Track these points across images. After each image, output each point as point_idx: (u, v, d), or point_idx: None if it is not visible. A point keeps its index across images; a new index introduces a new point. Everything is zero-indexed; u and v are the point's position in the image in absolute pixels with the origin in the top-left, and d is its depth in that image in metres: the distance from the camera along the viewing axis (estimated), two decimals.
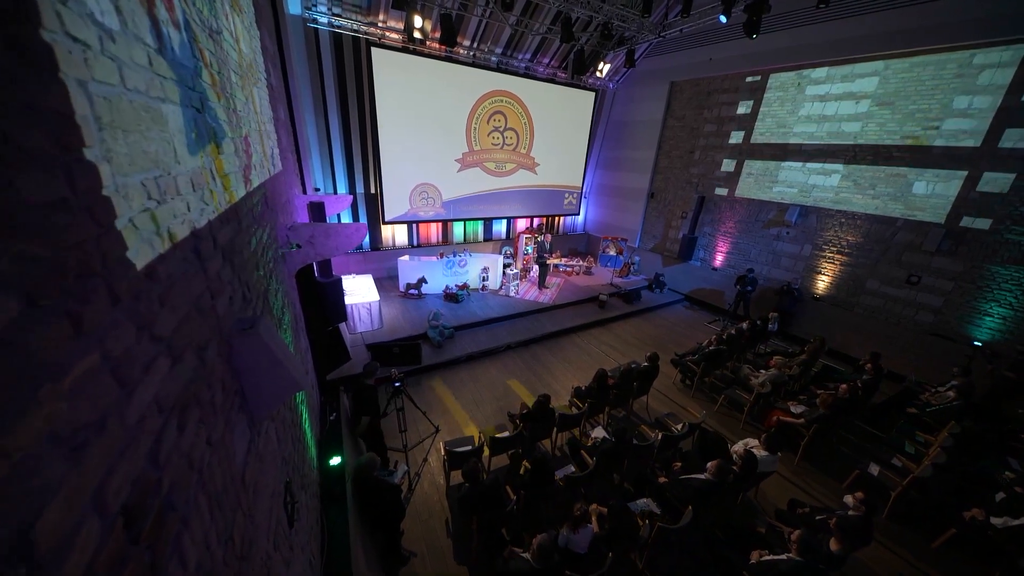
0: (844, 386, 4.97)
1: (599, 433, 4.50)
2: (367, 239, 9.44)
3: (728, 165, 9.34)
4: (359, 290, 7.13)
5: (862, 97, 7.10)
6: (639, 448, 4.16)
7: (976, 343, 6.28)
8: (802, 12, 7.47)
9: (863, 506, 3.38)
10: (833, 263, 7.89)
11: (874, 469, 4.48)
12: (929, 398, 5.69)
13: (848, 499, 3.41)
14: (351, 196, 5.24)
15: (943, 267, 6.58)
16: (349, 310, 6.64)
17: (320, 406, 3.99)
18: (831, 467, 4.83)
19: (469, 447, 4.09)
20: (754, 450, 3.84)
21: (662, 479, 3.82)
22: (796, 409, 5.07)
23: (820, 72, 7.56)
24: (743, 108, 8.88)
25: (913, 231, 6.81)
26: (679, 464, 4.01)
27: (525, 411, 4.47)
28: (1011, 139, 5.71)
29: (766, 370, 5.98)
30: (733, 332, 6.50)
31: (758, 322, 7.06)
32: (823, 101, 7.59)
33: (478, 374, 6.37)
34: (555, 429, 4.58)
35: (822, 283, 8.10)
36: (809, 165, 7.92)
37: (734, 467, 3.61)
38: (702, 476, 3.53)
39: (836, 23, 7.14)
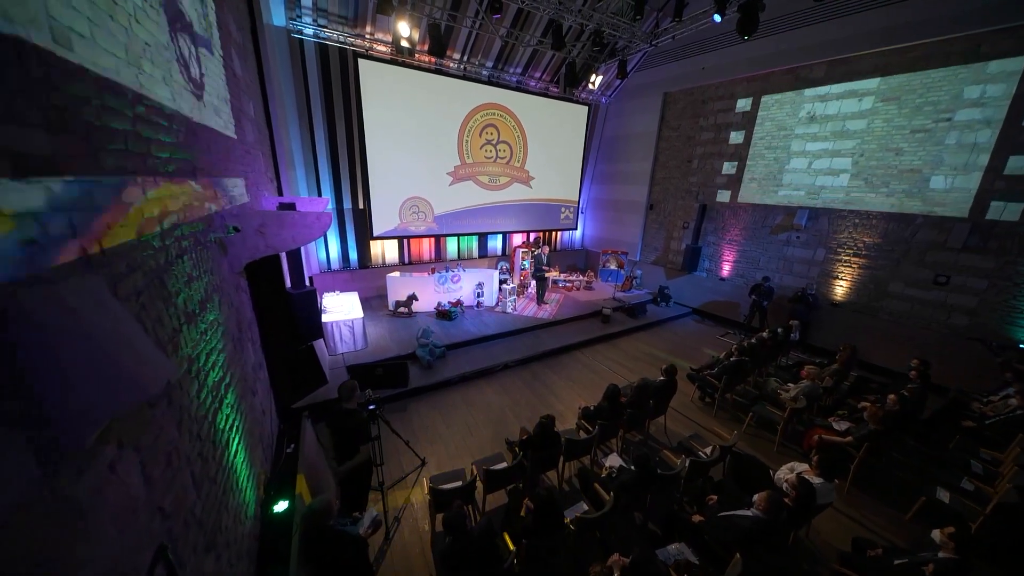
0: (892, 396, 4.31)
1: (614, 461, 3.79)
2: (354, 256, 8.94)
3: (728, 170, 9.05)
4: (342, 308, 6.53)
5: (865, 94, 6.87)
6: (663, 478, 3.45)
7: (1022, 344, 5.68)
8: (794, 15, 7.41)
9: (953, 542, 2.67)
10: (850, 266, 7.39)
11: (943, 495, 3.76)
12: (984, 409, 5.02)
13: (936, 535, 2.70)
14: (327, 199, 4.79)
15: (973, 265, 6.07)
16: (328, 328, 6.02)
17: (278, 436, 3.30)
18: (888, 494, 4.10)
19: (459, 482, 3.38)
20: (805, 476, 3.15)
21: (696, 517, 3.10)
22: (840, 426, 4.38)
23: (818, 72, 7.39)
24: (740, 111, 8.70)
25: (935, 228, 6.36)
26: (715, 497, 3.29)
27: (525, 437, 3.79)
28: None
29: (795, 383, 5.32)
30: (754, 342, 5.88)
31: (778, 331, 6.46)
32: (824, 101, 7.38)
33: (472, 396, 5.67)
34: (561, 457, 3.87)
35: (840, 288, 7.57)
36: (815, 166, 7.60)
37: (786, 499, 2.91)
38: (748, 512, 2.83)
39: (830, 23, 7.03)
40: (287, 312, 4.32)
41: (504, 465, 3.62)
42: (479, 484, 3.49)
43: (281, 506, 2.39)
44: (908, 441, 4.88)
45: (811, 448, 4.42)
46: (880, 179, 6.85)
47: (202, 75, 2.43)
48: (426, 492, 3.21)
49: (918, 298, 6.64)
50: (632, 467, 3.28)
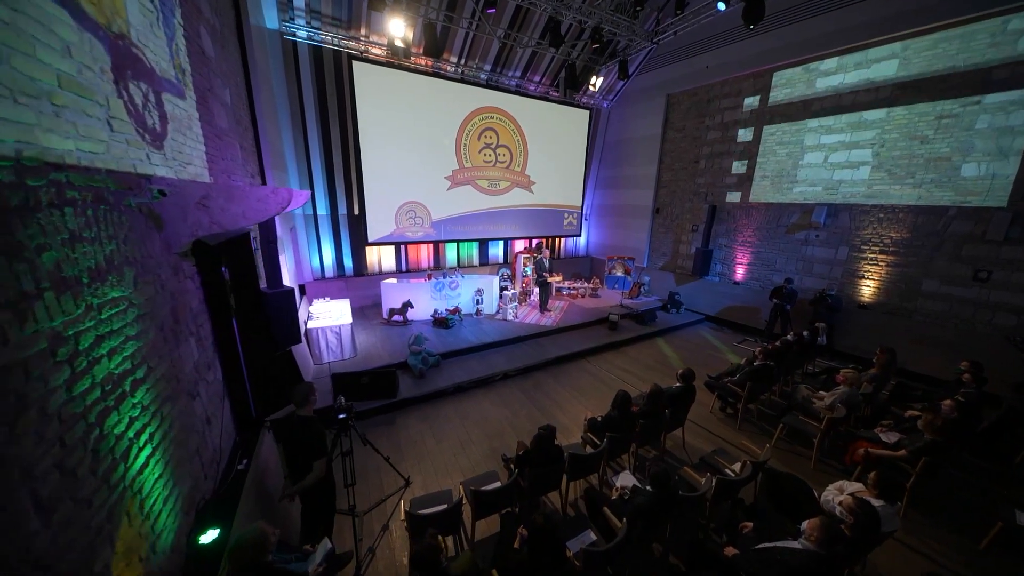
0: (948, 402, 3.72)
1: (627, 480, 3.24)
2: (349, 264, 8.62)
3: (739, 168, 8.66)
4: (329, 314, 6.14)
5: (882, 83, 6.49)
6: (686, 500, 2.90)
7: None
8: (800, 8, 7.16)
9: None
10: (877, 265, 6.84)
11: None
12: None
13: None
14: (307, 192, 4.49)
15: (1017, 257, 5.51)
16: (314, 335, 5.62)
17: (232, 449, 2.84)
18: (952, 518, 3.47)
19: (444, 505, 2.86)
20: (863, 497, 2.57)
21: (729, 550, 2.53)
22: (889, 437, 3.78)
23: (830, 63, 7.06)
24: (748, 109, 8.37)
25: (971, 219, 5.84)
26: (749, 525, 2.72)
27: (522, 452, 3.27)
28: None
29: (827, 390, 4.73)
30: (779, 345, 5.32)
31: (804, 334, 5.88)
32: (837, 92, 7.01)
33: (467, 409, 5.15)
34: (565, 476, 3.33)
35: (867, 289, 7.00)
36: (832, 159, 7.17)
37: (842, 527, 2.35)
38: (796, 544, 2.27)
39: (838, 12, 6.74)
40: (260, 313, 3.93)
41: (497, 485, 3.11)
42: (467, 508, 2.97)
43: (209, 536, 1.91)
44: (965, 455, 4.24)
45: (855, 464, 3.82)
46: (904, 170, 6.39)
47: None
48: (402, 518, 2.70)
49: (956, 296, 6.05)
50: (648, 487, 2.74)
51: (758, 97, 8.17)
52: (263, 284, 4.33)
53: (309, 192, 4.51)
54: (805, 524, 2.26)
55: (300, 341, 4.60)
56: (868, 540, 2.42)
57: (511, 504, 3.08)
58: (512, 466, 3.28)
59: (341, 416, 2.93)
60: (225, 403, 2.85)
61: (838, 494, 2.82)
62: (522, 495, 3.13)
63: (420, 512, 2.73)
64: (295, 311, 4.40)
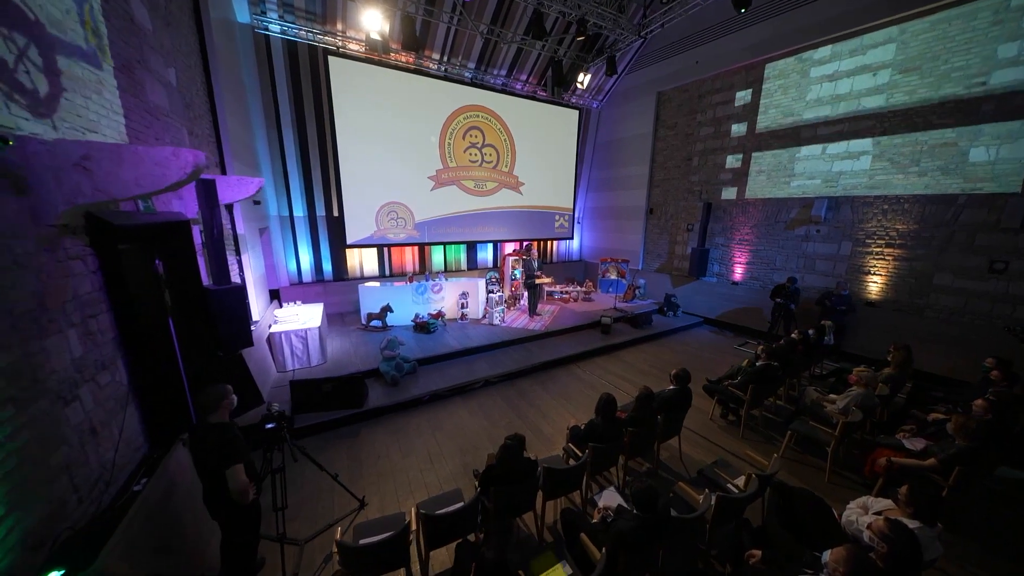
0: (980, 402, 3.27)
1: (611, 499, 2.77)
2: (329, 268, 8.23)
3: (733, 163, 8.34)
4: (297, 318, 5.70)
5: (879, 68, 6.20)
6: (681, 523, 2.43)
7: None
8: None
9: None
10: (884, 259, 6.44)
11: None
12: None
13: None
14: (261, 179, 4.14)
15: None
16: (277, 340, 5.18)
17: (136, 466, 2.38)
18: (991, 538, 2.97)
19: (391, 533, 2.38)
20: (896, 519, 2.11)
21: None
22: (914, 444, 3.31)
23: (823, 51, 6.79)
24: (740, 103, 8.10)
25: (982, 207, 5.46)
26: (757, 554, 2.25)
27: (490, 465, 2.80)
28: None
29: (838, 393, 4.28)
30: (783, 344, 4.87)
31: (809, 333, 5.44)
32: (833, 80, 6.73)
33: (442, 419, 4.68)
34: (540, 494, 2.86)
35: (874, 285, 6.58)
36: (831, 150, 6.85)
37: (872, 556, 1.88)
38: None
39: None
40: (203, 311, 3.51)
41: (460, 506, 2.63)
42: (418, 535, 2.49)
43: None
44: (998, 463, 3.75)
45: (875, 475, 3.34)
46: (908, 158, 6.05)
47: None
48: (334, 550, 2.21)
49: (972, 290, 5.63)
50: (634, 508, 2.27)
51: (750, 91, 7.91)
52: (207, 278, 3.91)
53: (261, 179, 4.14)
54: (827, 555, 1.79)
55: (251, 344, 4.14)
56: (907, 572, 1.95)
57: (474, 530, 2.60)
58: (476, 485, 2.81)
59: (269, 426, 2.48)
60: (130, 411, 2.40)
61: (863, 514, 2.35)
62: (489, 519, 2.66)
63: (359, 543, 2.26)
64: (246, 310, 3.97)
